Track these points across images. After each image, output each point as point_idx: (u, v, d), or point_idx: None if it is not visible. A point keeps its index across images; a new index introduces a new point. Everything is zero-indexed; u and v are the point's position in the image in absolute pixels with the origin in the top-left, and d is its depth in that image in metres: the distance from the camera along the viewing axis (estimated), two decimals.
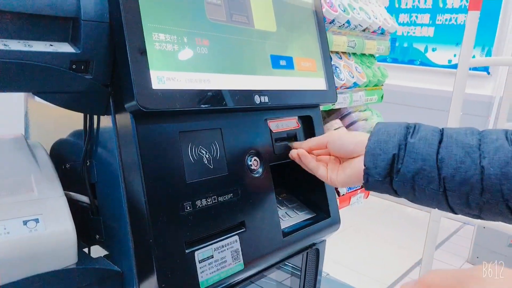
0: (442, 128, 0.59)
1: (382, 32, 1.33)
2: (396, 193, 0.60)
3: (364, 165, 0.59)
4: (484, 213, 0.55)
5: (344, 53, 1.23)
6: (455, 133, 0.56)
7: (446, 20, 3.84)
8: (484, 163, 0.52)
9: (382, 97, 1.43)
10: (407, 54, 4.12)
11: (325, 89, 0.80)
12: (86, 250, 0.62)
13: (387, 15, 1.36)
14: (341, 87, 1.17)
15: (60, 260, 0.51)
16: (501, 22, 3.41)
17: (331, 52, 1.16)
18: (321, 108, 1.08)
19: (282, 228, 0.70)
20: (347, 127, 1.30)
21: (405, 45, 4.11)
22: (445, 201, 0.56)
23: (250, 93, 0.63)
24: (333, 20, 1.08)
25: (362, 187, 0.68)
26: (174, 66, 0.54)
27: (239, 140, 0.65)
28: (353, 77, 1.18)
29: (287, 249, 0.70)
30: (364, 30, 1.25)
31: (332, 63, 1.14)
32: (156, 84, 0.51)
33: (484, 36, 3.53)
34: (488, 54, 3.55)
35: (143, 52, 0.51)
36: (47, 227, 0.51)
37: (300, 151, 0.70)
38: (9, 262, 0.47)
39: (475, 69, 3.53)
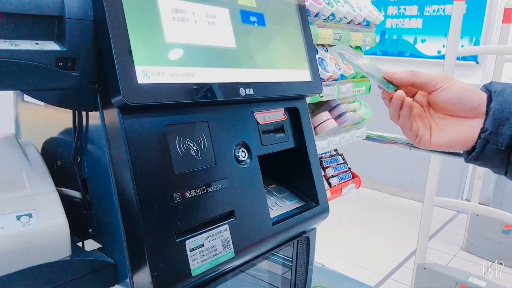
0: None
1: (368, 24, 1.35)
2: (507, 167, 0.52)
3: (485, 130, 0.51)
4: None
5: (330, 45, 1.24)
6: None
7: (434, 11, 3.87)
8: None
9: (369, 88, 1.45)
10: (396, 46, 4.15)
11: (310, 80, 0.81)
12: (80, 244, 0.63)
13: (372, 7, 1.37)
14: (328, 79, 1.19)
15: (54, 253, 0.53)
16: (488, 11, 3.45)
17: (317, 45, 1.18)
18: (309, 100, 1.10)
19: (271, 217, 0.72)
20: (336, 118, 1.32)
21: (395, 37, 4.14)
22: None
23: (235, 86, 0.65)
24: (318, 13, 1.10)
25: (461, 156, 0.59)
26: (159, 60, 0.55)
27: (226, 132, 0.66)
28: (339, 69, 1.20)
29: (277, 237, 0.72)
30: (349, 23, 1.26)
31: (318, 56, 1.16)
32: (141, 79, 0.53)
33: (471, 26, 3.56)
34: (476, 43, 3.58)
35: (127, 47, 0.52)
36: (40, 222, 0.52)
37: (407, 100, 0.55)
38: (4, 255, 0.49)
39: (464, 58, 3.56)
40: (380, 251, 2.79)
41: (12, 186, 0.54)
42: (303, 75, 0.80)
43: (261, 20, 0.73)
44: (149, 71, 0.54)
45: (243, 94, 0.66)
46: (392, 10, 4.08)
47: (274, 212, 0.75)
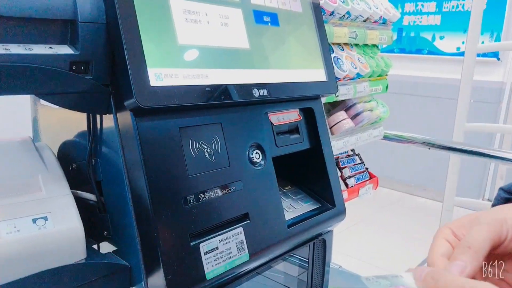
0: None
1: (384, 22, 1.33)
2: None
3: None
4: None
5: (346, 44, 1.23)
6: None
7: (452, 7, 3.80)
8: None
9: (387, 87, 1.43)
10: (414, 44, 4.08)
11: (325, 80, 0.80)
12: (95, 246, 0.63)
13: (388, 5, 1.35)
14: (344, 78, 1.17)
15: (69, 256, 0.53)
16: (509, 6, 3.36)
17: (333, 44, 1.16)
18: (325, 100, 1.09)
19: (286, 219, 0.71)
20: (352, 118, 1.30)
21: (412, 34, 4.07)
22: None
23: (248, 87, 0.64)
24: (333, 12, 1.08)
25: None
26: (172, 62, 0.55)
27: (239, 134, 0.66)
28: (355, 68, 1.18)
29: (292, 240, 0.71)
30: (365, 21, 1.24)
31: (334, 54, 1.14)
32: (154, 81, 0.52)
33: (492, 22, 3.48)
34: (497, 39, 3.50)
35: (140, 50, 0.52)
36: (55, 224, 0.52)
37: None
38: (20, 258, 0.49)
39: (484, 55, 3.49)
40: (398, 251, 2.75)
41: (28, 189, 0.55)
42: (318, 74, 0.79)
43: (274, 20, 0.72)
44: (161, 74, 0.54)
45: (257, 95, 0.65)
46: (409, 7, 4.02)
47: (290, 214, 0.74)
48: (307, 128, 0.81)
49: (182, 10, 0.58)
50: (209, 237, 0.58)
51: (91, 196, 0.62)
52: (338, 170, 1.45)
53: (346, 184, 1.44)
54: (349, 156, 1.51)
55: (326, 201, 0.82)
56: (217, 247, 0.59)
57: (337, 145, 1.26)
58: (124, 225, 0.59)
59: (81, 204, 0.61)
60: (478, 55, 2.19)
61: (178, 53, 0.56)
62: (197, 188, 0.58)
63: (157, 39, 0.54)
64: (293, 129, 0.78)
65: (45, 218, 0.52)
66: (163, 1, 0.56)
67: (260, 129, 0.70)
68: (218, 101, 0.60)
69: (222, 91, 0.60)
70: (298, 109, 0.79)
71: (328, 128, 1.25)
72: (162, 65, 0.54)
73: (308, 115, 0.81)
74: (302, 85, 0.75)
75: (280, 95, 0.70)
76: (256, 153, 0.68)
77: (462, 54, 3.95)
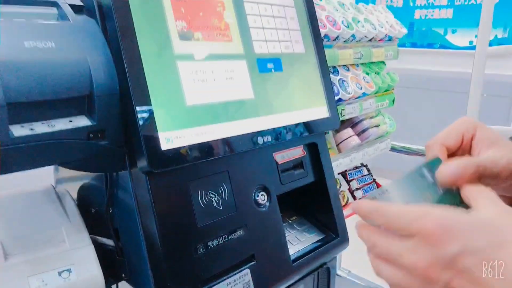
0: None
1: (390, 39, 1.35)
2: None
3: None
4: None
5: (352, 65, 1.25)
6: None
7: (465, 0, 3.74)
8: None
9: (393, 101, 1.45)
10: (426, 38, 4.05)
11: (328, 116, 0.84)
12: (114, 286, 0.69)
13: (394, 21, 1.37)
14: (349, 98, 1.20)
15: None
16: None
17: (338, 66, 1.19)
18: None
19: (291, 253, 0.75)
20: (359, 134, 1.33)
21: (424, 28, 4.03)
22: None
23: (253, 136, 0.68)
24: (337, 37, 1.11)
25: None
26: (181, 124, 0.59)
27: (246, 178, 0.70)
28: (361, 88, 1.21)
29: (297, 274, 0.75)
30: (370, 40, 1.27)
31: (339, 76, 1.17)
32: (165, 145, 0.57)
33: (505, 15, 3.43)
34: (511, 33, 3.45)
35: (151, 117, 0.56)
36: (78, 276, 0.58)
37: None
38: None
39: (499, 44, 3.44)
40: None
41: (54, 241, 0.60)
42: (321, 112, 0.82)
43: (278, 66, 0.76)
44: (171, 137, 0.58)
45: (261, 143, 0.69)
46: (420, 0, 3.97)
47: (295, 248, 0.79)
48: (311, 162, 0.84)
49: (190, 72, 0.62)
50: (217, 281, 0.63)
51: (109, 242, 0.67)
52: (346, 182, 1.49)
53: (354, 196, 1.47)
54: (356, 168, 1.54)
55: (330, 230, 0.86)
56: None
57: (344, 162, 1.30)
58: (140, 269, 0.64)
59: (100, 248, 0.66)
60: (491, 45, 2.16)
61: (186, 115, 0.60)
62: (206, 237, 0.63)
63: (167, 104, 0.58)
64: (297, 164, 0.82)
65: (69, 270, 0.57)
66: (172, 65, 0.60)
67: (265, 170, 0.74)
68: (225, 154, 0.64)
69: (227, 144, 0.64)
70: (302, 145, 0.83)
71: (335, 146, 1.29)
72: (172, 128, 0.58)
73: (312, 149, 0.85)
74: (305, 125, 0.78)
75: (284, 138, 0.74)
76: (262, 194, 0.72)
77: (474, 48, 3.91)
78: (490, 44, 2.10)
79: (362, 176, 1.54)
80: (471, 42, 3.75)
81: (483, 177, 0.42)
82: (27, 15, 0.54)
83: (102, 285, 0.59)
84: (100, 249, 0.65)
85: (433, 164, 0.42)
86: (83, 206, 0.73)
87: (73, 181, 0.77)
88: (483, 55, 2.10)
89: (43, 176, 0.78)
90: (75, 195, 0.75)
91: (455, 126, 0.48)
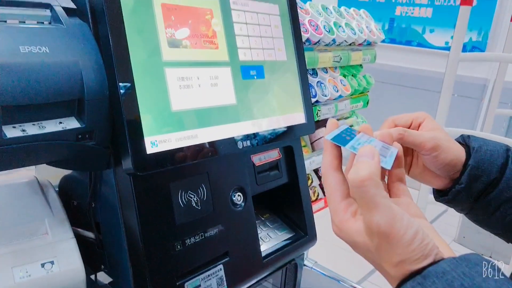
0: None
1: (369, 43, 1.40)
2: (469, 211, 0.60)
3: (460, 183, 0.57)
4: None
5: (331, 67, 1.30)
6: None
7: (444, 1, 3.83)
8: None
9: (367, 102, 1.51)
10: (405, 35, 4.13)
11: (305, 122, 0.88)
12: (93, 276, 0.72)
13: (374, 26, 1.41)
14: (326, 100, 1.25)
15: None
16: (499, 4, 3.42)
17: (318, 68, 1.23)
18: None
19: (262, 250, 0.81)
20: None
21: (403, 25, 4.11)
22: None
23: (234, 140, 0.72)
24: (318, 41, 1.15)
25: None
26: (166, 129, 0.62)
27: (224, 179, 0.74)
28: (337, 91, 1.26)
29: (267, 270, 0.81)
30: (350, 44, 1.31)
31: (318, 79, 1.22)
32: (150, 149, 0.60)
33: (481, 19, 3.54)
34: (485, 37, 3.57)
35: (138, 121, 0.59)
36: (60, 268, 0.61)
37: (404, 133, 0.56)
38: None
39: (471, 49, 3.57)
40: None
41: (36, 233, 0.63)
42: (298, 118, 0.87)
43: (260, 73, 0.79)
44: (156, 141, 0.61)
45: (241, 147, 0.73)
46: None
47: (266, 245, 0.84)
48: (286, 164, 0.89)
49: (176, 78, 0.65)
50: (193, 276, 0.68)
51: (90, 234, 0.70)
52: (317, 178, 1.55)
53: (324, 192, 1.53)
54: None
55: (300, 229, 0.92)
56: (200, 284, 0.68)
57: (317, 160, 1.35)
58: (119, 262, 0.67)
59: (81, 240, 0.69)
60: (464, 50, 2.25)
61: (171, 119, 0.63)
62: (183, 234, 0.67)
63: (153, 109, 0.61)
64: (273, 166, 0.87)
65: (52, 262, 0.61)
66: (160, 72, 0.63)
67: (243, 172, 0.78)
68: (206, 157, 0.68)
69: (209, 148, 0.68)
70: (278, 148, 0.87)
71: (309, 144, 1.34)
72: (157, 132, 0.61)
73: (288, 152, 0.89)
74: (283, 129, 0.83)
75: (263, 142, 0.78)
76: (238, 195, 0.77)
77: (449, 48, 4.02)
78: (464, 46, 2.18)
79: None
80: (447, 43, 3.86)
81: (407, 143, 0.55)
82: (21, 16, 0.55)
83: (83, 277, 0.63)
84: (81, 241, 0.68)
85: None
86: (65, 198, 0.75)
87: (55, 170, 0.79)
88: (456, 57, 2.19)
89: None
90: (55, 182, 0.77)
91: (410, 114, 0.61)
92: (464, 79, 3.50)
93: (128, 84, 0.59)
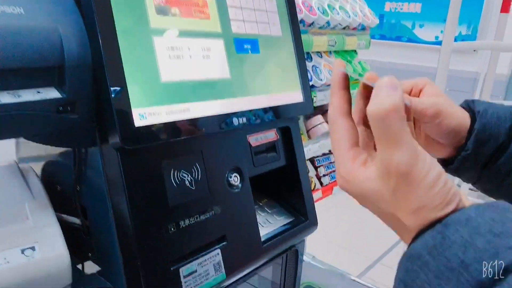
0: None
1: (363, 28, 1.36)
2: (477, 179, 0.57)
3: (466, 149, 0.54)
4: None
5: (325, 52, 1.26)
6: None
7: None
8: None
9: None
10: (394, 31, 4.13)
11: (302, 101, 0.84)
12: (80, 266, 0.67)
13: (368, 10, 1.38)
14: (322, 85, 1.21)
15: (55, 283, 0.57)
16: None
17: (312, 52, 1.19)
18: None
19: (261, 235, 0.76)
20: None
21: (393, 21, 4.11)
22: None
23: (229, 117, 0.68)
24: (313, 23, 1.11)
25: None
26: (155, 101, 0.58)
27: (219, 159, 0.69)
28: None
29: (267, 255, 0.76)
30: (344, 28, 1.28)
31: (313, 63, 1.18)
32: (138, 122, 0.55)
33: (470, 13, 3.55)
34: (474, 31, 3.58)
35: (124, 92, 0.54)
36: (42, 254, 0.56)
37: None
38: (9, 287, 0.52)
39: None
40: (371, 235, 2.87)
41: (16, 218, 0.58)
42: (296, 96, 0.83)
43: (255, 47, 0.75)
44: (145, 113, 0.56)
45: (236, 124, 0.69)
46: None
47: (265, 230, 0.79)
48: (284, 146, 0.85)
49: (165, 47, 0.60)
50: (188, 260, 0.63)
51: (76, 220, 0.65)
52: (313, 168, 1.51)
53: (321, 183, 1.50)
54: (324, 154, 1.56)
55: (300, 214, 0.87)
56: (196, 270, 0.63)
57: (313, 148, 1.31)
58: (108, 249, 0.62)
59: (66, 226, 0.64)
60: (455, 41, 2.23)
61: (161, 91, 0.59)
62: (177, 216, 0.62)
63: (141, 79, 0.57)
64: (270, 147, 0.82)
65: (33, 248, 0.55)
66: (148, 40, 0.58)
67: (239, 152, 0.73)
68: (199, 134, 0.63)
69: (203, 123, 0.63)
70: (276, 129, 0.83)
71: (306, 132, 1.30)
72: (146, 104, 0.56)
73: (285, 133, 0.85)
74: (280, 108, 0.78)
75: (259, 121, 0.74)
76: (235, 176, 0.72)
77: (440, 43, 4.03)
78: (454, 40, 2.17)
79: (330, 163, 1.56)
80: (437, 37, 3.87)
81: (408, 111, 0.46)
82: None
83: (68, 263, 0.58)
84: (66, 228, 0.63)
85: None
86: (49, 184, 0.70)
87: (37, 161, 0.74)
88: (448, 51, 2.17)
89: (3, 156, 0.74)
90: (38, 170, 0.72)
91: (410, 80, 0.59)
92: (455, 73, 3.50)
93: (113, 52, 0.54)
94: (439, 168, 0.35)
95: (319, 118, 1.30)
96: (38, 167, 0.73)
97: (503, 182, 0.55)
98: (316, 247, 1.84)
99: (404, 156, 0.34)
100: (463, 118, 0.56)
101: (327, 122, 1.34)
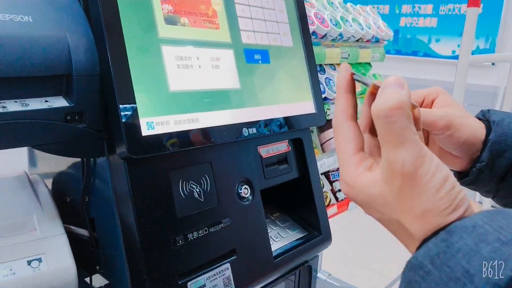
0: None
1: (377, 40, 1.35)
2: (495, 193, 0.55)
3: (481, 161, 0.52)
4: None
5: (338, 64, 1.25)
6: None
7: (449, 10, 3.81)
8: None
9: None
10: (410, 46, 4.10)
11: (314, 112, 0.82)
12: (88, 279, 0.66)
13: (382, 23, 1.37)
14: (335, 98, 1.20)
15: None
16: (505, 11, 3.39)
17: (325, 64, 1.18)
18: None
19: (273, 250, 0.74)
20: None
21: (408, 36, 4.09)
22: None
23: (238, 127, 0.66)
24: (325, 35, 1.10)
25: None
26: (163, 110, 0.57)
27: (229, 170, 0.68)
28: None
29: (279, 270, 0.74)
30: (357, 40, 1.26)
31: (326, 75, 1.17)
32: (145, 131, 0.55)
33: (488, 26, 3.50)
34: (493, 44, 3.52)
35: (132, 100, 0.54)
36: (49, 266, 0.55)
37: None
38: None
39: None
40: (389, 252, 2.79)
41: (24, 229, 0.57)
42: (307, 107, 0.81)
43: (265, 57, 0.74)
44: (153, 122, 0.56)
45: (246, 134, 0.67)
46: (406, 8, 4.03)
47: (277, 244, 0.77)
48: (296, 158, 0.83)
49: (174, 57, 0.60)
50: (196, 275, 0.61)
51: (84, 232, 0.64)
52: (328, 183, 1.48)
53: (336, 198, 1.46)
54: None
55: (313, 228, 0.85)
56: (205, 284, 0.61)
57: (328, 162, 1.29)
58: (115, 261, 0.61)
59: (74, 238, 0.63)
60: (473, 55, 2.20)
61: (169, 101, 0.58)
62: (185, 229, 0.60)
63: (149, 88, 0.56)
64: (282, 159, 0.81)
65: (39, 260, 0.54)
66: (156, 49, 0.58)
67: (249, 163, 0.72)
68: (208, 144, 0.62)
69: (211, 133, 0.62)
70: (287, 140, 0.81)
71: (319, 145, 1.28)
72: (153, 113, 0.56)
73: (297, 145, 0.83)
74: (291, 119, 0.77)
75: (269, 131, 0.73)
76: (245, 188, 0.70)
77: (457, 57, 3.98)
78: (472, 54, 2.13)
79: None
80: (453, 52, 3.82)
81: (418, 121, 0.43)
82: None
83: (74, 276, 0.56)
84: (74, 240, 0.63)
85: None
86: (59, 195, 0.70)
87: (50, 178, 0.74)
88: (465, 64, 2.14)
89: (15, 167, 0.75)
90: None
91: (423, 89, 0.56)
92: (474, 87, 3.44)
93: (121, 61, 0.54)
94: (446, 170, 0.33)
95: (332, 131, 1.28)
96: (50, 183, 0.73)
97: None
98: (332, 264, 1.80)
99: (409, 155, 0.32)
100: (477, 129, 0.53)
101: None
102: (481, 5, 2.13)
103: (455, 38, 3.80)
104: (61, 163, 0.71)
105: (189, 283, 0.60)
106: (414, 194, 0.32)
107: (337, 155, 0.39)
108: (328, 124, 1.35)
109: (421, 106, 0.56)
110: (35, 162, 0.80)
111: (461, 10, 3.72)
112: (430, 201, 0.31)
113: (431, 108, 0.56)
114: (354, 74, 0.40)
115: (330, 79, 1.16)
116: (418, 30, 4.05)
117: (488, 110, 0.56)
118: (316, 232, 0.84)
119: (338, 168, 1.52)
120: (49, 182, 0.73)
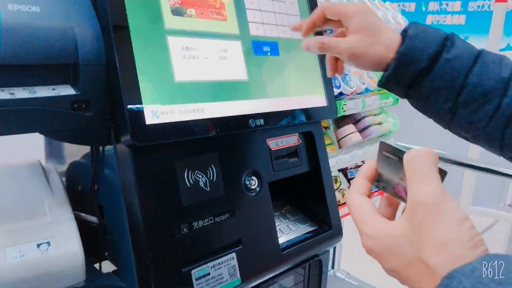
0: (479, 51, 0.56)
1: None
2: (404, 96, 0.61)
3: (388, 69, 0.57)
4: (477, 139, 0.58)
5: None
6: (491, 62, 0.54)
7: (478, 7, 3.70)
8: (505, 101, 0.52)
9: (398, 99, 1.42)
10: None
11: (325, 105, 0.82)
12: (98, 265, 0.68)
13: (401, 17, 1.34)
14: (352, 93, 1.18)
15: (69, 279, 0.57)
16: None
17: None
18: None
19: (282, 241, 0.74)
20: (361, 131, 1.31)
21: None
22: (449, 120, 0.58)
23: (244, 118, 0.67)
24: None
25: None
26: (168, 99, 0.58)
27: (236, 161, 0.68)
28: (363, 84, 1.19)
29: (286, 263, 0.73)
30: None
31: None
32: (150, 119, 0.56)
33: None
34: None
35: (136, 89, 0.55)
36: (57, 249, 0.56)
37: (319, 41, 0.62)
38: (23, 281, 0.53)
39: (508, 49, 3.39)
40: None
41: (34, 214, 0.59)
42: (318, 100, 0.81)
43: (274, 49, 0.74)
44: (158, 111, 0.57)
45: (253, 126, 0.68)
46: (433, 5, 3.93)
47: (286, 237, 0.77)
48: (307, 151, 0.83)
49: (180, 47, 0.61)
50: (201, 263, 0.61)
51: (93, 219, 0.66)
52: (346, 181, 1.46)
53: None
54: (358, 166, 1.51)
55: (324, 222, 0.84)
56: (209, 273, 0.62)
57: (344, 158, 1.27)
58: (122, 248, 0.62)
59: (84, 225, 0.65)
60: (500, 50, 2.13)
61: (174, 90, 0.59)
62: (190, 217, 0.61)
63: (154, 78, 0.57)
64: (292, 152, 0.80)
65: (48, 243, 0.56)
66: (162, 39, 0.59)
67: (257, 155, 0.72)
68: (214, 135, 0.62)
69: (217, 124, 0.63)
70: (298, 133, 0.81)
71: (336, 141, 1.27)
72: (158, 102, 0.57)
73: (308, 138, 0.83)
74: (300, 111, 0.77)
75: (277, 123, 0.72)
76: (252, 179, 0.71)
77: None
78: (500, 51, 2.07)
79: None
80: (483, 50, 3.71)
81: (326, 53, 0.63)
82: None
83: (81, 260, 0.58)
84: (85, 227, 0.64)
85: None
86: (71, 184, 0.72)
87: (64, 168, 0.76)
88: None
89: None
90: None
91: (343, 8, 0.61)
92: None
93: (126, 51, 0.55)
94: (465, 214, 0.34)
95: (351, 127, 1.26)
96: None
97: (427, 101, 0.58)
98: (350, 264, 1.77)
99: (433, 189, 0.34)
100: (392, 43, 0.57)
101: (359, 131, 1.31)
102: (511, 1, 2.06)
103: (484, 36, 3.68)
104: (74, 153, 0.74)
105: (193, 271, 0.60)
106: (436, 225, 0.33)
107: (353, 219, 0.41)
108: (345, 120, 1.34)
109: (338, 27, 0.64)
110: (52, 153, 0.83)
111: (490, 6, 3.60)
112: (452, 230, 0.32)
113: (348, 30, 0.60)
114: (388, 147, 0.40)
115: (346, 74, 1.15)
116: (445, 27, 3.93)
117: (412, 22, 0.59)
118: (327, 226, 0.83)
119: (356, 166, 1.50)
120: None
